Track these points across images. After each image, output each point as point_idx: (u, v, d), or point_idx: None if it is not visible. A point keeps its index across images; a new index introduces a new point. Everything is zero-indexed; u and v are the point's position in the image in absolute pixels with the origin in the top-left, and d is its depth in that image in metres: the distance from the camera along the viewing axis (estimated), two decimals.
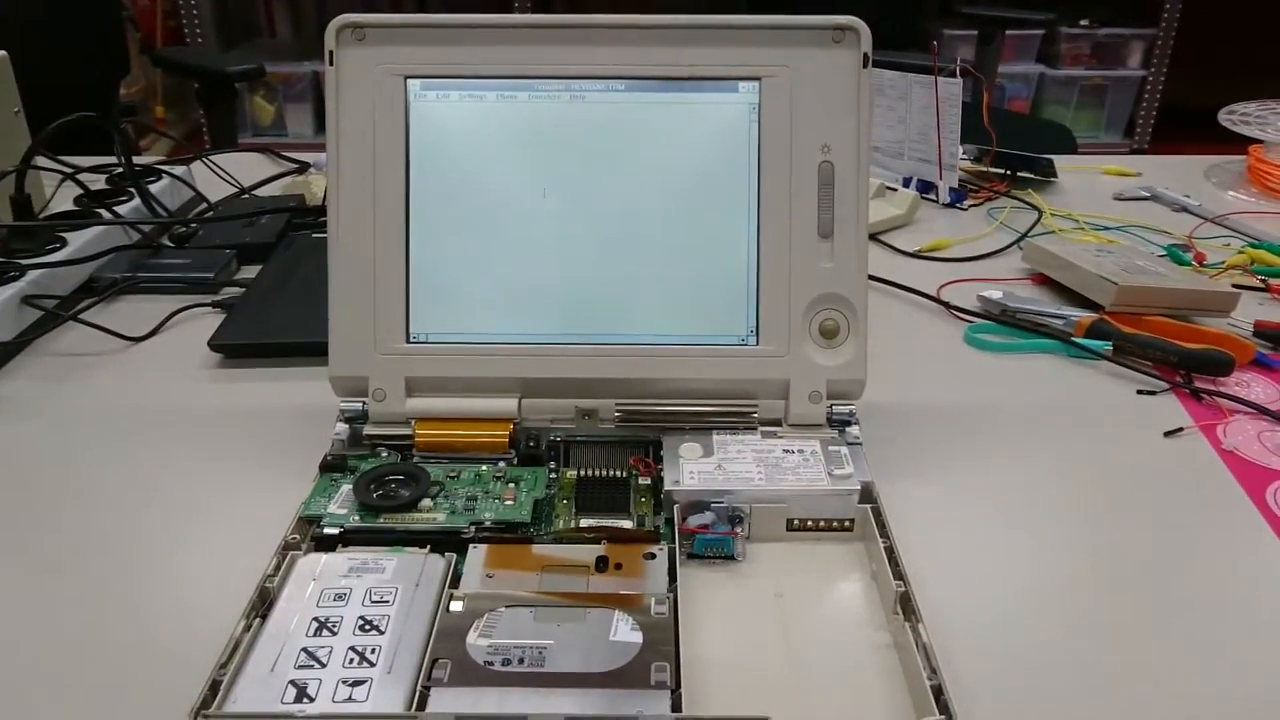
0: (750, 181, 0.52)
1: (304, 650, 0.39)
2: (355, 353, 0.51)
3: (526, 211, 0.52)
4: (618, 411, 0.52)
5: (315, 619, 0.41)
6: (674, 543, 0.46)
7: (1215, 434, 0.60)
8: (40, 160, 0.80)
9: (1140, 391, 0.64)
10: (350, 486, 0.48)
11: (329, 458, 0.50)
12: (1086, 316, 0.70)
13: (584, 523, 0.47)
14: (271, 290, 0.72)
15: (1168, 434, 0.59)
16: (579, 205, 0.52)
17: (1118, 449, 0.57)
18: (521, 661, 0.39)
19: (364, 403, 0.52)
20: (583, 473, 0.50)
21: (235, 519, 0.50)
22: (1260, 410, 0.62)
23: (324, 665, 0.39)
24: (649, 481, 0.50)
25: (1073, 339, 0.68)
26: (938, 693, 0.37)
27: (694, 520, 0.47)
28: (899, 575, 0.43)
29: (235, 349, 0.65)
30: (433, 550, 0.45)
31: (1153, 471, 0.56)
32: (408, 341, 0.51)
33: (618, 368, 0.51)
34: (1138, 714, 0.40)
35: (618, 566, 0.45)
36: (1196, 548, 0.50)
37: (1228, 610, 0.45)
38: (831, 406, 0.52)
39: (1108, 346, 0.67)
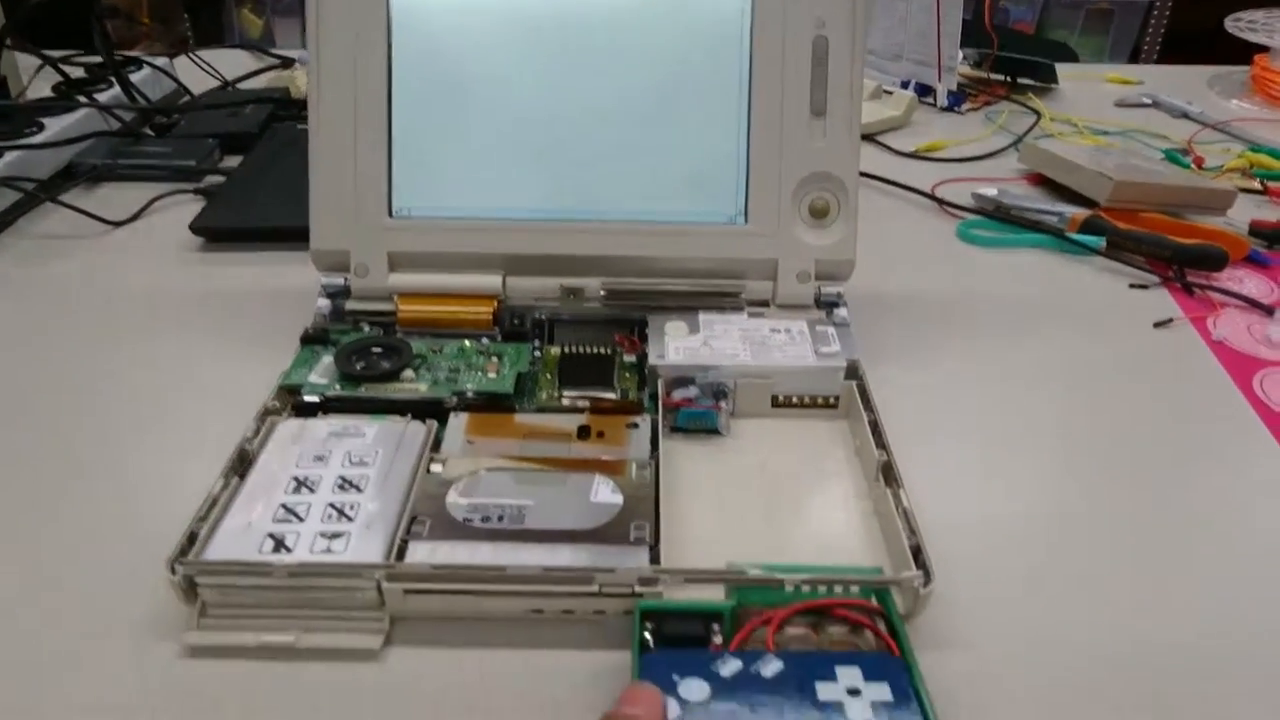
0: (742, 57, 0.51)
1: (282, 506, 0.39)
2: (337, 226, 0.50)
3: (513, 86, 0.51)
4: (603, 290, 0.52)
5: (294, 478, 0.41)
6: (657, 414, 0.45)
7: (1205, 326, 0.59)
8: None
9: (1132, 285, 0.64)
10: (331, 358, 0.48)
11: (310, 330, 0.50)
12: (1081, 212, 0.69)
13: (567, 395, 0.47)
14: (255, 177, 0.70)
15: (1157, 324, 0.59)
16: (567, 80, 0.51)
17: (1106, 340, 0.57)
18: (501, 519, 0.39)
19: (346, 278, 0.51)
20: (567, 349, 0.49)
21: (216, 392, 0.50)
22: (1252, 303, 0.61)
23: (302, 520, 0.39)
24: (634, 359, 0.49)
25: (1066, 234, 0.68)
26: (916, 551, 0.38)
27: (678, 394, 0.47)
28: (881, 445, 0.43)
29: (217, 233, 0.64)
30: (414, 418, 0.45)
31: (1140, 360, 0.55)
32: (390, 216, 0.50)
33: (604, 245, 0.51)
34: (1114, 583, 0.40)
35: (600, 435, 0.44)
36: (1183, 433, 0.49)
37: (1214, 495, 0.45)
38: (820, 288, 0.52)
39: (1101, 242, 0.67)
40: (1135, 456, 0.48)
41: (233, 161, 0.76)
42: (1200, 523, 0.44)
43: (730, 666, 0.32)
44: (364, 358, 0.48)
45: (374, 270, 0.51)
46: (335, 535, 0.38)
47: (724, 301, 0.52)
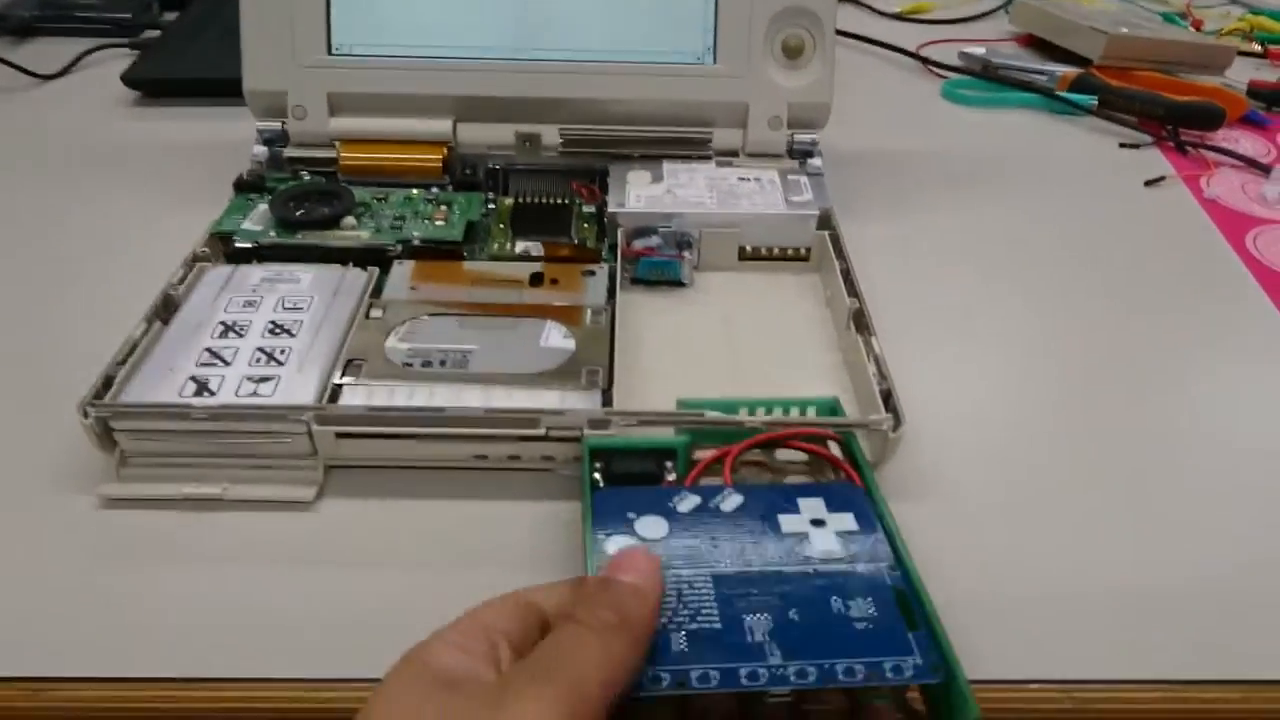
0: None
1: (208, 350, 0.37)
2: (271, 64, 0.46)
3: None
4: (561, 137, 0.48)
5: (222, 323, 0.38)
6: (615, 263, 0.42)
7: (1197, 185, 0.56)
8: None
9: (1123, 145, 0.60)
10: (267, 205, 0.44)
11: (245, 176, 0.46)
12: (1072, 70, 0.65)
13: (520, 246, 0.44)
14: (193, 30, 0.66)
15: (1148, 183, 0.56)
16: None
17: (1093, 198, 0.54)
18: (443, 364, 0.37)
19: (283, 122, 0.48)
20: (521, 199, 0.46)
21: (146, 244, 0.46)
22: (1248, 162, 0.58)
23: (228, 364, 0.36)
24: (593, 209, 0.46)
25: (1056, 93, 0.64)
26: (886, 396, 0.35)
27: (639, 243, 0.44)
28: (854, 293, 0.41)
29: (152, 84, 0.60)
30: (355, 266, 0.42)
31: (1127, 218, 0.53)
32: (329, 53, 0.46)
33: (561, 86, 0.47)
34: (1092, 442, 0.38)
35: (554, 282, 0.42)
36: (1171, 288, 0.47)
37: (1201, 350, 0.43)
38: (793, 135, 0.48)
39: (1093, 101, 0.63)
40: (1120, 313, 0.45)
41: (172, 17, 0.71)
42: (1187, 381, 0.41)
43: (689, 502, 0.30)
44: (302, 204, 0.45)
45: (313, 113, 0.47)
46: (264, 379, 0.35)
47: (690, 150, 0.48)
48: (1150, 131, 0.61)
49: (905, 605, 0.27)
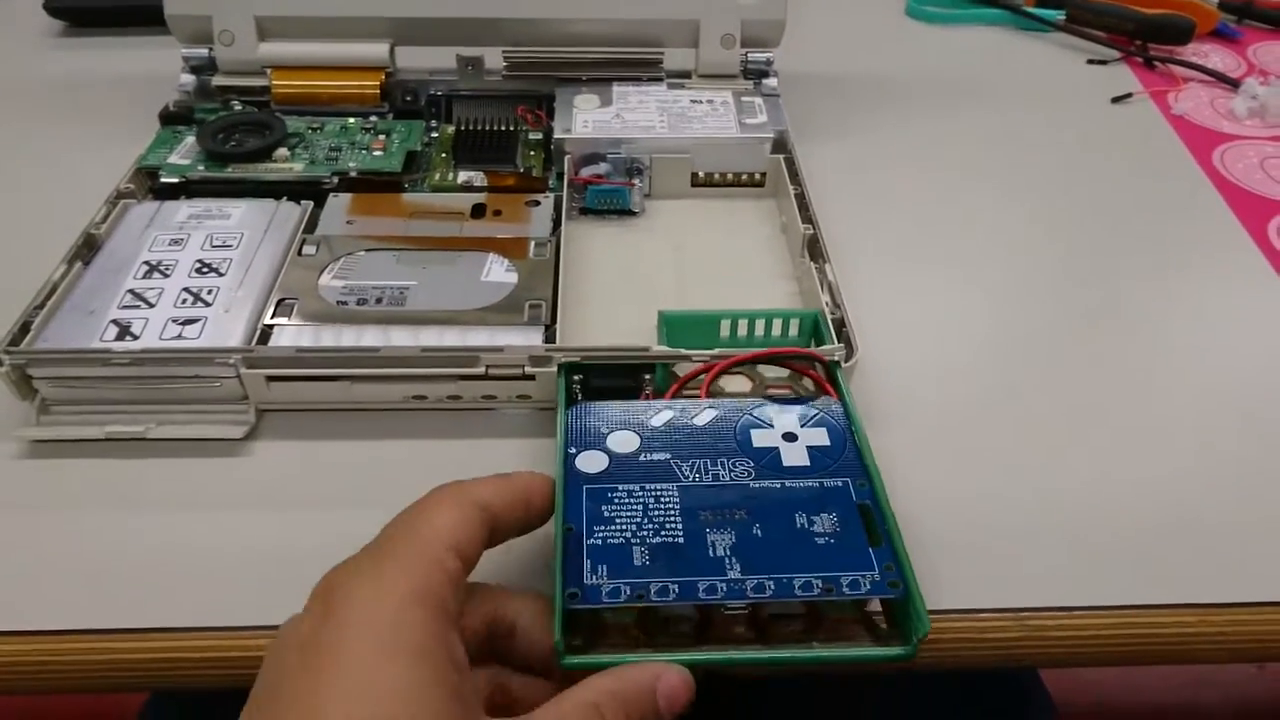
0: None
1: (130, 292, 0.35)
2: None
3: None
4: (505, 60, 0.46)
5: (146, 262, 0.36)
6: (561, 193, 0.41)
7: (1165, 101, 0.55)
8: None
9: (1090, 61, 0.59)
10: (194, 138, 0.42)
11: (171, 107, 0.44)
12: None
13: (463, 176, 0.42)
14: None
15: (1115, 100, 0.54)
16: None
17: (1059, 117, 0.53)
18: (379, 301, 0.35)
19: (210, 49, 0.45)
20: (464, 126, 0.44)
21: (68, 180, 0.44)
22: (1217, 76, 0.57)
23: (152, 305, 0.34)
24: (540, 136, 0.44)
25: (1024, 9, 0.62)
26: (839, 325, 0.34)
27: (587, 170, 0.42)
28: (808, 220, 0.39)
29: (77, 13, 0.57)
30: (289, 200, 0.40)
31: (1093, 136, 0.51)
32: None
33: (503, 5, 0.44)
34: (1055, 364, 0.38)
35: (497, 213, 0.40)
36: (1138, 209, 0.46)
37: (1170, 273, 0.42)
38: (747, 54, 0.46)
39: (1060, 15, 0.61)
40: (1083, 234, 0.44)
41: None
42: (1151, 302, 0.41)
43: (662, 416, 0.30)
44: (231, 135, 0.43)
45: (240, 38, 0.44)
46: (189, 321, 0.34)
47: (641, 71, 0.46)
48: (1119, 46, 0.59)
49: (869, 521, 0.27)
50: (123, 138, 0.43)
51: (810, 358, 0.33)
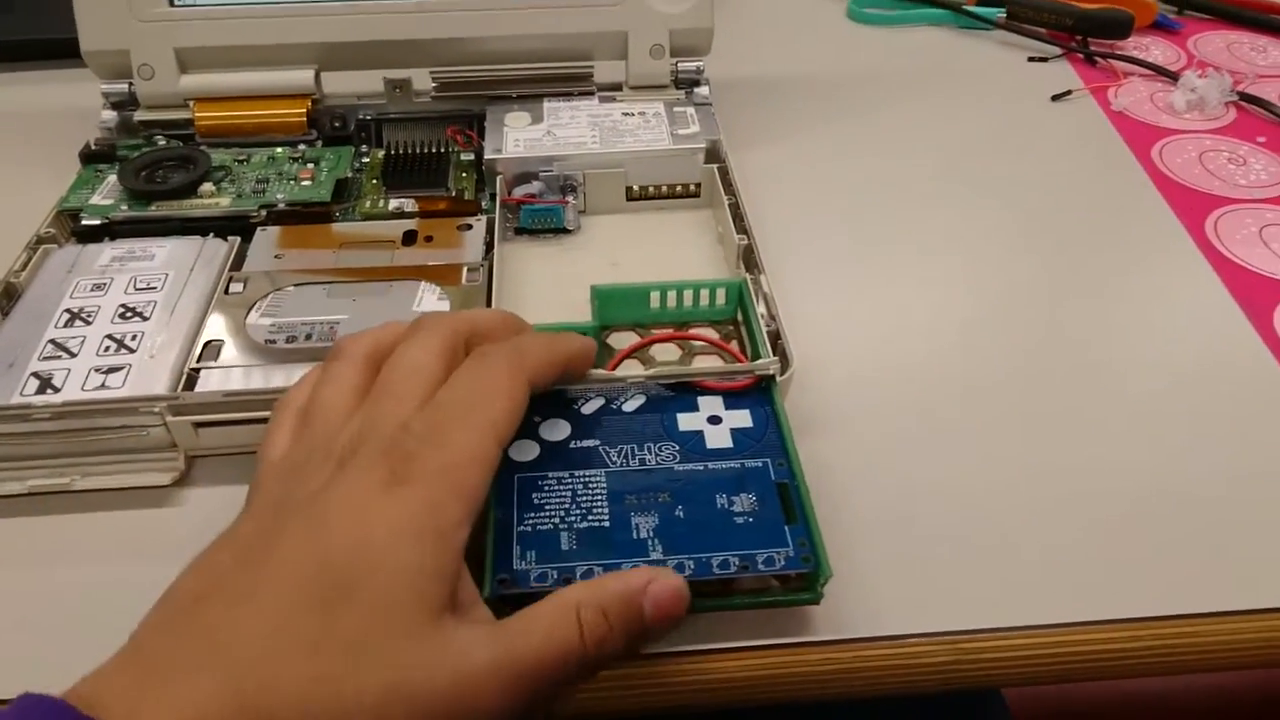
0: None
1: (51, 342, 0.34)
2: (109, 20, 0.43)
3: None
4: (434, 81, 0.45)
5: (67, 310, 0.35)
6: (494, 214, 0.40)
7: (1105, 96, 0.55)
8: None
9: (1031, 59, 0.59)
10: (116, 177, 0.41)
11: (92, 146, 0.43)
12: None
13: (394, 202, 0.41)
14: None
15: (1055, 97, 0.55)
16: None
17: (999, 117, 0.53)
18: (309, 338, 0.34)
19: (130, 84, 0.44)
20: (394, 150, 0.43)
21: None
22: (1156, 70, 0.57)
23: (74, 355, 0.33)
24: (471, 157, 0.44)
25: (964, 8, 0.62)
26: (774, 337, 0.34)
27: (519, 190, 0.42)
28: (743, 230, 0.39)
29: (8, 48, 0.55)
30: (216, 237, 0.39)
31: (1033, 136, 0.51)
32: (171, 4, 0.43)
33: (429, 26, 0.44)
34: (995, 367, 0.38)
35: (428, 239, 0.39)
36: (1076, 208, 0.46)
37: (1107, 272, 0.42)
38: (677, 64, 0.46)
39: (1001, 13, 0.61)
40: (1021, 235, 0.44)
41: None
42: (1088, 301, 0.41)
43: (592, 404, 0.31)
44: (154, 172, 0.42)
45: (161, 72, 0.43)
46: (113, 369, 0.33)
47: (572, 86, 0.46)
48: (1060, 43, 0.59)
49: (786, 499, 0.29)
50: (43, 178, 0.42)
51: (746, 370, 0.33)
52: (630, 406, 0.31)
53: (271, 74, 0.44)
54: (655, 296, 0.36)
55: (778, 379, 0.32)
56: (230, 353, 0.34)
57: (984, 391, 0.36)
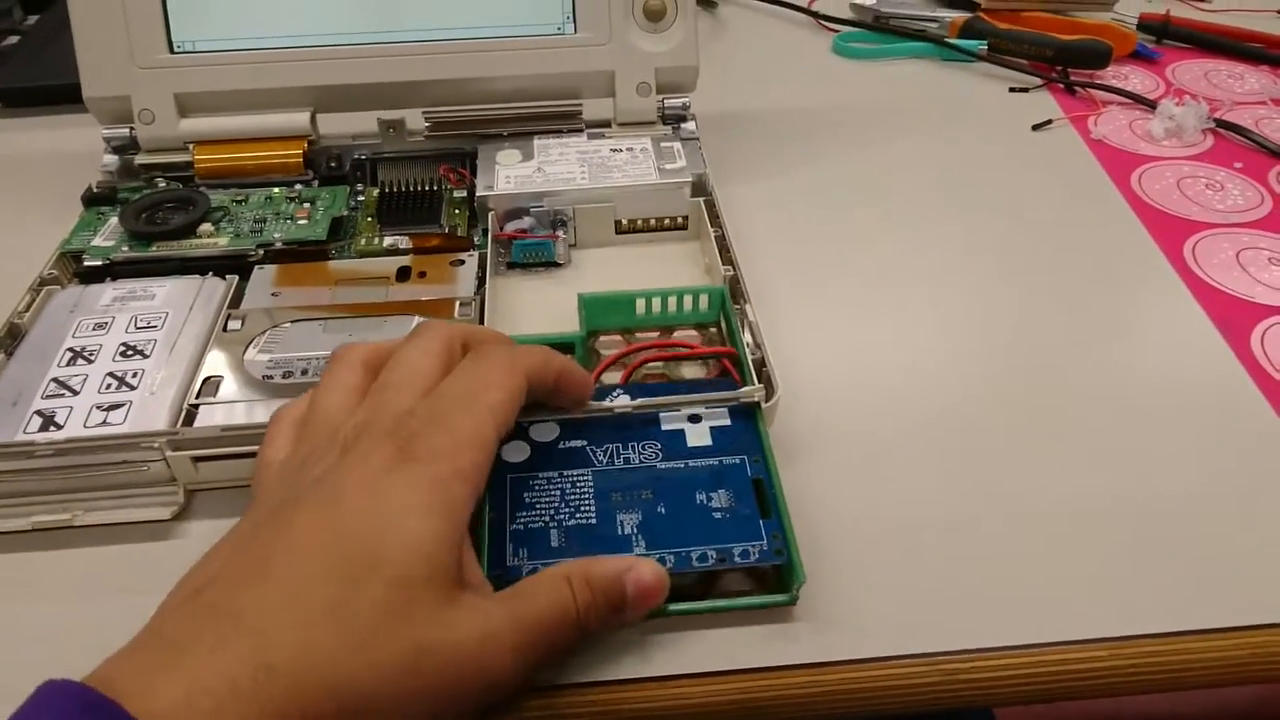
0: None
1: (54, 380, 0.35)
2: (110, 68, 0.44)
3: None
4: (427, 121, 0.47)
5: (70, 349, 0.36)
6: (486, 249, 0.41)
7: (1085, 125, 0.56)
8: None
9: (1013, 89, 0.60)
10: (118, 219, 0.42)
11: (94, 189, 0.44)
12: (961, 15, 0.65)
13: (389, 239, 0.42)
14: (54, 32, 0.62)
15: (1036, 127, 0.56)
16: None
17: (982, 146, 0.54)
18: (305, 373, 0.35)
19: (131, 128, 0.45)
20: (388, 189, 0.44)
21: None
22: (1135, 98, 0.58)
23: (76, 393, 0.34)
24: (464, 193, 0.45)
25: (946, 40, 0.64)
26: (760, 365, 0.35)
27: (511, 226, 0.43)
28: (729, 261, 0.40)
29: (11, 94, 0.57)
30: (214, 276, 0.40)
31: (1015, 166, 0.52)
32: (171, 51, 0.44)
33: (420, 69, 0.45)
34: (973, 403, 0.38)
35: (422, 275, 0.40)
36: (1056, 236, 0.47)
37: (1087, 299, 0.43)
38: (663, 100, 0.47)
39: (982, 45, 0.63)
40: (1002, 263, 0.45)
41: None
42: (1069, 328, 0.41)
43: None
44: (154, 214, 0.43)
45: (161, 116, 0.45)
46: (114, 406, 0.34)
47: (561, 124, 0.47)
48: (1040, 73, 0.61)
49: (762, 494, 0.30)
50: (46, 220, 0.44)
51: (732, 399, 0.33)
52: (616, 407, 0.33)
53: (269, 117, 0.45)
54: (641, 303, 0.38)
55: (763, 406, 0.33)
56: (229, 388, 0.35)
57: (966, 416, 0.37)
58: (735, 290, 0.39)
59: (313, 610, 0.23)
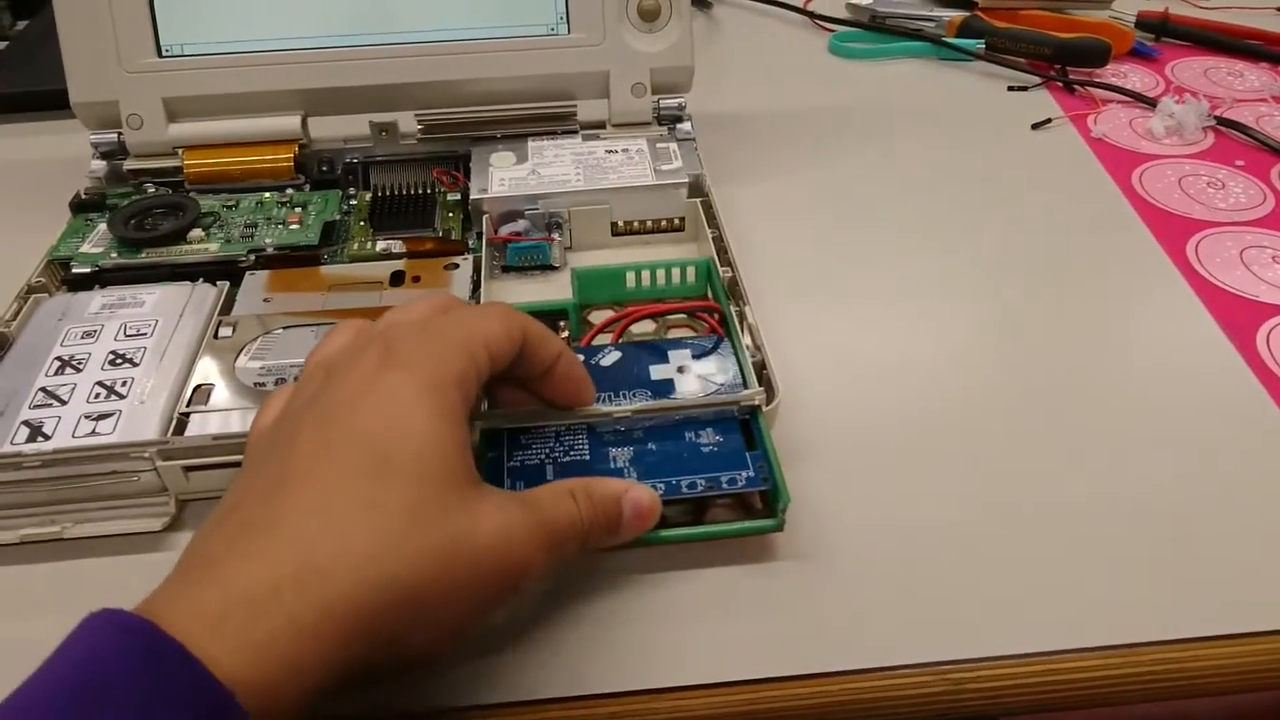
0: None
1: (42, 390, 0.34)
2: (98, 73, 0.43)
3: None
4: (419, 124, 0.46)
5: (58, 358, 0.36)
6: (481, 253, 0.41)
7: (1085, 124, 0.56)
8: None
9: (1011, 88, 0.60)
10: (106, 225, 0.42)
11: (83, 195, 0.44)
12: (958, 14, 0.64)
13: (381, 244, 0.42)
14: (46, 37, 0.62)
15: (1035, 126, 0.55)
16: None
17: (980, 146, 0.53)
18: (297, 380, 0.34)
19: (120, 133, 0.45)
20: (381, 192, 0.44)
21: None
22: (1134, 96, 0.58)
23: (65, 403, 0.34)
24: (457, 196, 0.44)
25: (943, 40, 0.63)
26: (760, 367, 0.34)
27: (505, 229, 0.42)
28: (727, 263, 0.39)
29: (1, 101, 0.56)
30: (205, 282, 0.40)
31: (1014, 165, 0.52)
32: (159, 55, 0.44)
33: (411, 71, 0.44)
34: (975, 404, 0.38)
35: (415, 279, 0.40)
36: (1058, 235, 0.46)
37: (1090, 299, 0.43)
38: (659, 101, 0.46)
39: (980, 44, 0.62)
40: (1004, 263, 0.44)
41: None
42: (1072, 329, 0.41)
43: None
44: (144, 220, 0.42)
45: (149, 121, 0.44)
46: (103, 416, 0.33)
47: (556, 125, 0.46)
48: (1039, 72, 0.60)
49: (748, 432, 0.32)
50: (34, 227, 0.43)
51: (731, 403, 0.33)
52: (607, 361, 0.35)
53: (259, 121, 0.45)
54: (631, 276, 0.39)
55: (763, 409, 0.32)
56: (220, 396, 0.34)
57: (968, 419, 0.36)
58: (734, 291, 0.38)
59: (348, 510, 0.23)
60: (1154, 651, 0.29)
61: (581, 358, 0.33)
